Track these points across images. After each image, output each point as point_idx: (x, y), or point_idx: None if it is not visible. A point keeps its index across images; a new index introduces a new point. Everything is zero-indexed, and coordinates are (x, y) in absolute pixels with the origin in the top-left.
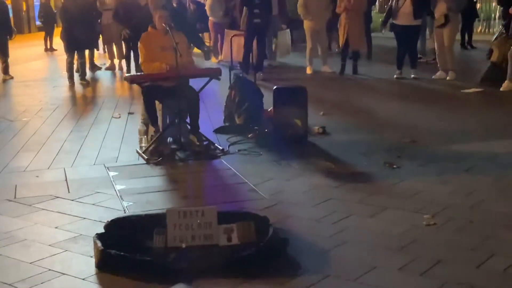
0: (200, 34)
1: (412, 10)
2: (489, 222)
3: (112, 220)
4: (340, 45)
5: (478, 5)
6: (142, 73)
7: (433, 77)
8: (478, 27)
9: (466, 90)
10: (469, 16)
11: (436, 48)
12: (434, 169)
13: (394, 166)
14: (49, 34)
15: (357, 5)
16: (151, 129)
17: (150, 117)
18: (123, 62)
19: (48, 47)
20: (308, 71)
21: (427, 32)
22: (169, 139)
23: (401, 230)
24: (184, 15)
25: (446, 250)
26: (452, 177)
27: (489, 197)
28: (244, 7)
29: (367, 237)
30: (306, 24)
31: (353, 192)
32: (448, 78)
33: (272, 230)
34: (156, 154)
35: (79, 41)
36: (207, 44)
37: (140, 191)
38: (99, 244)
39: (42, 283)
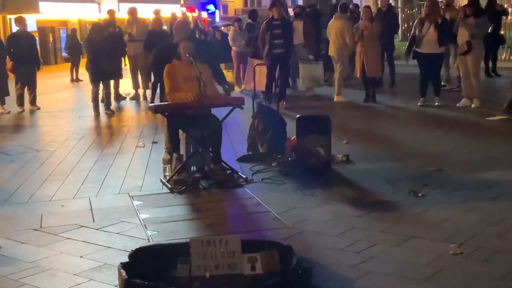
0: (223, 64)
1: (437, 37)
2: None
3: (136, 249)
4: (358, 73)
5: (501, 32)
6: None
7: (457, 105)
8: (502, 54)
9: (491, 118)
10: (493, 43)
11: (461, 76)
12: (460, 198)
13: (419, 195)
14: (75, 65)
15: (371, 32)
16: (175, 158)
17: (172, 143)
18: (148, 91)
19: (74, 77)
20: (337, 98)
21: (451, 59)
22: (193, 168)
23: (427, 259)
24: (208, 46)
25: (474, 280)
26: (478, 205)
27: None
28: (266, 37)
29: (392, 267)
30: (342, 50)
31: (378, 221)
32: (472, 106)
33: (296, 260)
34: (180, 183)
35: (104, 72)
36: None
37: (164, 220)
38: (123, 273)
39: None
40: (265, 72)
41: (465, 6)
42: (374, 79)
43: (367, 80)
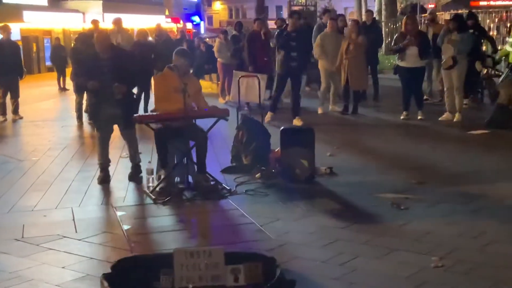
0: (208, 75)
1: (418, 51)
2: (498, 265)
3: (119, 260)
4: (342, 86)
5: (483, 48)
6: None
7: (439, 118)
8: (484, 70)
9: (473, 132)
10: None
11: (445, 90)
12: (442, 211)
13: (402, 207)
14: (61, 75)
15: (358, 45)
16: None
17: (160, 160)
18: None
19: (62, 86)
20: (320, 111)
21: (434, 73)
22: (177, 179)
23: (409, 272)
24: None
25: None
26: (460, 218)
27: (498, 239)
28: (281, 50)
29: (374, 279)
30: (322, 65)
31: (361, 233)
32: (454, 119)
33: (279, 271)
34: (163, 194)
35: None
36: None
37: (147, 231)
38: (106, 284)
39: None
40: (250, 84)
41: (449, 21)
42: (358, 92)
43: (346, 93)
